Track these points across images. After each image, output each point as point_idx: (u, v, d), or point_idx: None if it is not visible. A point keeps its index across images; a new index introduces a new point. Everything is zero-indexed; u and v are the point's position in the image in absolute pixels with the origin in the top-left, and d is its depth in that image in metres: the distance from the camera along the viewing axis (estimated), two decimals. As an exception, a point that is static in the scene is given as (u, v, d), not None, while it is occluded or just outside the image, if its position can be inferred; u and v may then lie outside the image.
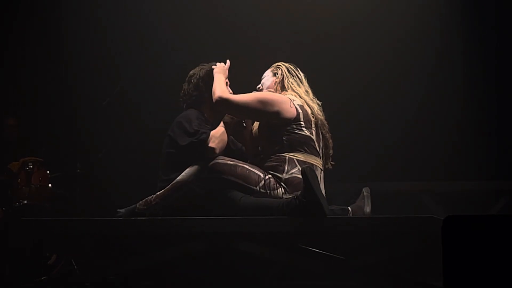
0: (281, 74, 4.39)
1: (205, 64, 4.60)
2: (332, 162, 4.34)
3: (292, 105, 4.21)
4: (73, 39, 6.55)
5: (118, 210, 4.28)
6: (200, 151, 4.18)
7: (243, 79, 4.59)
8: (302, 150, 4.17)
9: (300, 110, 4.21)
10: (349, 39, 6.32)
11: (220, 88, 4.26)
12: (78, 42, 6.55)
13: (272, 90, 4.38)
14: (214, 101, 4.22)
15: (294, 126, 4.18)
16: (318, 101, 4.37)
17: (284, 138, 4.17)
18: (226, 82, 4.48)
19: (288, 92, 4.33)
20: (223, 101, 4.19)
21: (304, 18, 6.36)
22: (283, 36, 6.22)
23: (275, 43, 6.13)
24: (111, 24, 6.45)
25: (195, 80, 4.53)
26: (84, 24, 6.52)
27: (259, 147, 4.32)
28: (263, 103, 4.18)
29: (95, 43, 6.53)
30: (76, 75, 6.56)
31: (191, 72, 4.60)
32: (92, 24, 6.52)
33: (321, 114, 4.31)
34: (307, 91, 4.38)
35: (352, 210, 4.10)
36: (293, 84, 4.36)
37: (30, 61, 6.64)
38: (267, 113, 4.18)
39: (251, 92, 4.45)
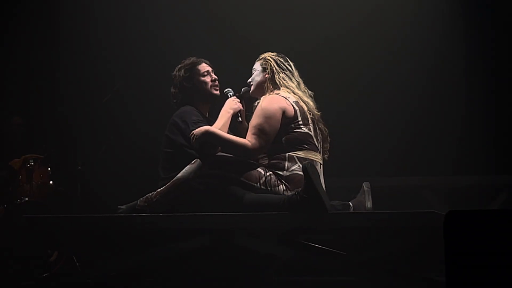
0: (271, 70, 4.30)
1: (184, 60, 4.58)
2: (326, 156, 4.31)
3: (288, 103, 4.18)
4: (76, 37, 6.56)
5: (119, 206, 4.28)
6: (200, 150, 4.17)
7: (239, 76, 4.57)
8: (302, 147, 4.16)
9: (296, 107, 4.18)
10: (351, 33, 6.30)
11: (239, 141, 4.13)
12: (80, 39, 6.55)
13: (263, 86, 4.32)
14: (248, 156, 4.13)
15: (293, 126, 4.16)
16: (310, 92, 4.33)
17: (283, 138, 4.15)
18: (215, 83, 4.47)
19: (281, 89, 4.27)
20: (255, 150, 4.10)
21: (303, 15, 6.36)
22: (282, 35, 6.20)
23: (272, 40, 6.10)
24: (112, 21, 6.45)
25: (178, 82, 4.53)
26: (85, 22, 6.53)
27: None
28: (269, 117, 4.12)
29: (97, 41, 6.53)
30: (78, 72, 6.57)
31: (172, 74, 4.58)
32: (93, 22, 6.52)
33: (315, 108, 4.29)
34: (298, 83, 4.32)
35: (353, 206, 4.10)
36: (284, 80, 4.28)
37: (31, 60, 6.64)
38: (278, 120, 4.12)
39: (244, 87, 4.42)
